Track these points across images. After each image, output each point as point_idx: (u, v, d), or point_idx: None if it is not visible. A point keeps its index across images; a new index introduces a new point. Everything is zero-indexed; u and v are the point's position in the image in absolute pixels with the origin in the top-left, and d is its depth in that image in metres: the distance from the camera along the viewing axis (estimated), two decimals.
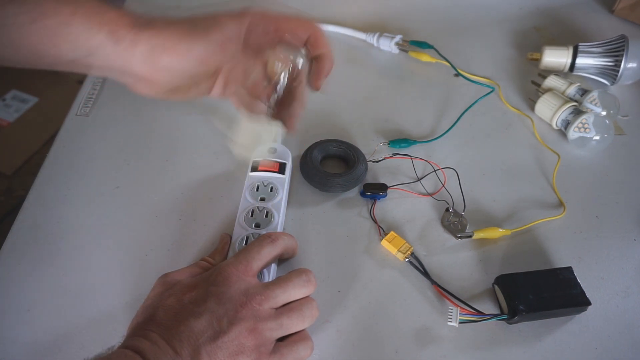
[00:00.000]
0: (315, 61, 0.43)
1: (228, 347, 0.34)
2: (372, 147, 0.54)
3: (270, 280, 0.41)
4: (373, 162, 0.52)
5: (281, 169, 0.48)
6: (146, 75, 0.37)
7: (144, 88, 0.40)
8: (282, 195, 0.47)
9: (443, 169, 0.52)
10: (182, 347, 0.33)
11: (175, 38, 0.36)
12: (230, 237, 0.44)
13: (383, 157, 0.52)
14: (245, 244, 0.43)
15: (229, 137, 0.42)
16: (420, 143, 0.55)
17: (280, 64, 0.40)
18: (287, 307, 0.38)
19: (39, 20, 0.34)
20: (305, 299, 0.39)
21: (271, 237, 0.41)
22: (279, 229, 0.45)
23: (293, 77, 0.41)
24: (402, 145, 0.54)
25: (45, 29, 0.34)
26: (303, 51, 0.41)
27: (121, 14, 0.36)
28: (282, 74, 0.40)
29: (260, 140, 0.42)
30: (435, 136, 0.55)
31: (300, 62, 0.40)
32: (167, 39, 0.36)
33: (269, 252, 0.40)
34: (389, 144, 0.54)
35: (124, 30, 0.35)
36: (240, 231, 0.44)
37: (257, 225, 0.45)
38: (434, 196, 0.50)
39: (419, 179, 0.52)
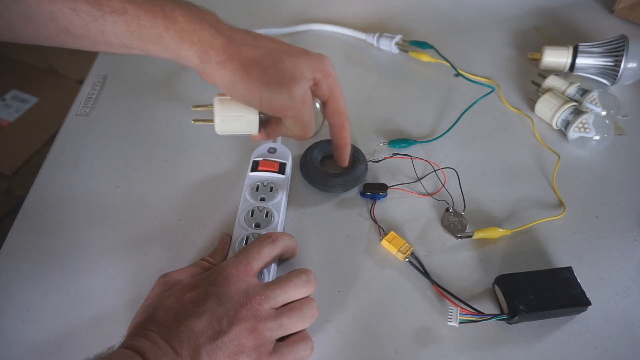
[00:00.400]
0: (337, 147, 0.46)
1: (228, 347, 0.34)
2: (372, 147, 0.54)
3: (270, 280, 0.41)
4: (373, 162, 0.52)
5: (281, 169, 0.48)
6: (222, 89, 0.40)
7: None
8: (282, 195, 0.47)
9: (443, 169, 0.52)
10: (182, 347, 0.33)
11: (260, 82, 0.38)
12: (230, 237, 0.44)
13: (383, 157, 0.52)
14: (245, 244, 0.43)
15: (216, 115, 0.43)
16: (420, 143, 0.55)
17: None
18: (287, 307, 0.38)
19: (135, 30, 0.37)
20: (306, 299, 0.39)
21: (271, 237, 0.41)
22: (279, 229, 0.45)
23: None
24: (402, 145, 0.54)
25: (139, 36, 0.38)
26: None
27: (213, 33, 0.38)
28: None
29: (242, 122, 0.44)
30: (435, 136, 0.55)
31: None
32: (250, 79, 0.38)
33: (269, 252, 0.40)
34: (389, 144, 0.54)
35: (214, 52, 0.38)
36: (240, 231, 0.44)
37: (257, 225, 0.45)
38: (434, 196, 0.50)
39: (419, 179, 0.52)
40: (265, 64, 0.39)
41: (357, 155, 0.51)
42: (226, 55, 0.38)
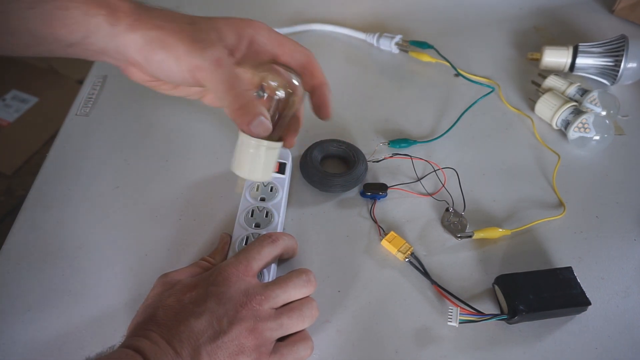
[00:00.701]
0: (316, 91, 0.41)
1: (228, 347, 0.34)
2: (372, 147, 0.54)
3: (270, 280, 0.41)
4: (373, 162, 0.52)
5: (281, 169, 0.48)
6: (138, 63, 0.37)
7: (134, 74, 0.40)
8: (282, 195, 0.47)
9: (443, 169, 0.52)
10: (183, 347, 0.33)
11: (175, 38, 0.36)
12: (230, 237, 0.44)
13: (383, 157, 0.52)
14: (245, 244, 0.43)
15: (235, 165, 0.40)
16: (420, 143, 0.55)
17: (277, 82, 0.39)
18: (287, 307, 0.38)
19: (37, 6, 0.34)
20: (306, 299, 0.39)
21: (271, 237, 0.41)
22: (279, 229, 0.45)
23: (289, 97, 0.40)
24: (402, 145, 0.54)
25: (43, 13, 0.34)
26: (298, 76, 0.40)
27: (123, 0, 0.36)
28: (280, 92, 0.39)
29: (267, 161, 0.40)
30: (435, 136, 0.55)
31: (298, 82, 0.40)
32: (166, 35, 0.36)
33: (269, 252, 0.40)
34: (389, 144, 0.54)
35: (121, 14, 0.35)
36: (240, 231, 0.44)
37: (257, 225, 0.45)
38: (434, 196, 0.50)
39: (419, 179, 0.52)
40: (178, 27, 0.36)
41: (357, 155, 0.51)
42: (135, 17, 0.35)
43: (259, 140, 0.37)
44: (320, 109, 0.42)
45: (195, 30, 0.36)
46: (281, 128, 0.41)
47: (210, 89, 0.37)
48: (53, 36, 0.35)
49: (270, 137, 0.39)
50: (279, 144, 0.40)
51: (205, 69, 0.36)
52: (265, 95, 0.40)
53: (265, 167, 0.39)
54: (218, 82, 0.36)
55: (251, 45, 0.38)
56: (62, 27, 0.35)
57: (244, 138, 0.38)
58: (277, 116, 0.40)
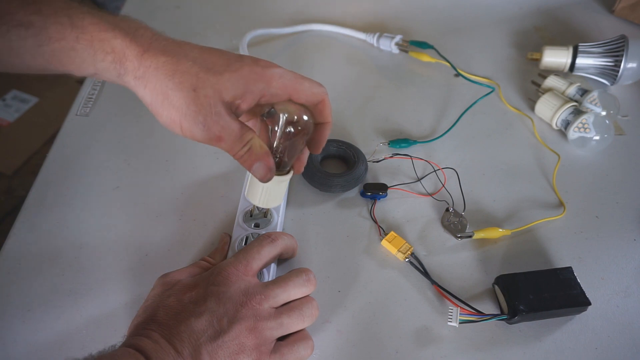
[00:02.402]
0: (319, 128, 0.41)
1: (229, 346, 0.34)
2: (372, 147, 0.54)
3: (270, 279, 0.41)
4: (373, 162, 0.52)
5: None
6: (148, 107, 0.37)
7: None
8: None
9: (443, 169, 0.52)
10: (184, 346, 0.33)
11: (179, 113, 0.35)
12: (230, 237, 0.44)
13: (383, 157, 0.52)
14: (245, 243, 0.43)
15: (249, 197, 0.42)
16: (420, 143, 0.55)
17: (288, 116, 0.39)
18: (287, 307, 0.38)
19: (46, 45, 0.35)
20: (306, 298, 0.39)
21: (271, 237, 0.41)
22: (279, 229, 0.45)
23: (298, 132, 0.40)
24: (402, 145, 0.54)
25: (52, 52, 0.35)
26: (309, 112, 0.40)
27: (127, 42, 0.35)
28: (290, 128, 0.39)
29: (277, 192, 0.42)
30: (435, 136, 0.56)
31: (309, 117, 0.40)
32: (170, 106, 0.35)
33: (269, 251, 0.40)
34: (389, 144, 0.54)
35: (129, 63, 0.35)
36: (240, 231, 0.44)
37: (257, 226, 0.45)
38: (434, 196, 0.50)
39: (419, 179, 0.52)
40: (183, 89, 0.35)
41: (357, 155, 0.51)
42: (142, 71, 0.35)
43: None
44: (315, 145, 0.42)
45: (197, 101, 0.35)
46: (291, 159, 0.41)
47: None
48: (64, 70, 0.37)
49: (280, 168, 0.40)
50: (287, 177, 0.41)
51: (206, 142, 0.36)
52: (275, 121, 0.40)
53: (276, 197, 0.42)
54: (230, 150, 0.37)
55: (262, 97, 0.37)
56: (71, 65, 0.36)
57: None
58: (286, 148, 0.40)
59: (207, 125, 0.35)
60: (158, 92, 0.35)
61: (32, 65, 0.36)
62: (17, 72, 0.37)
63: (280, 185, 0.41)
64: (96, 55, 0.35)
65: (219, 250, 0.43)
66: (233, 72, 0.36)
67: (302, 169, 0.44)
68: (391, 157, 0.52)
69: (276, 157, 0.40)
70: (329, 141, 0.52)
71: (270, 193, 0.41)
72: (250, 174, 0.39)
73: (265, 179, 0.39)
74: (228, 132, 0.36)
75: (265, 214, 0.45)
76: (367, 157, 0.52)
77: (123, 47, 0.35)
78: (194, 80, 0.35)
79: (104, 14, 0.36)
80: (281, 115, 0.39)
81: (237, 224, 0.45)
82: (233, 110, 0.36)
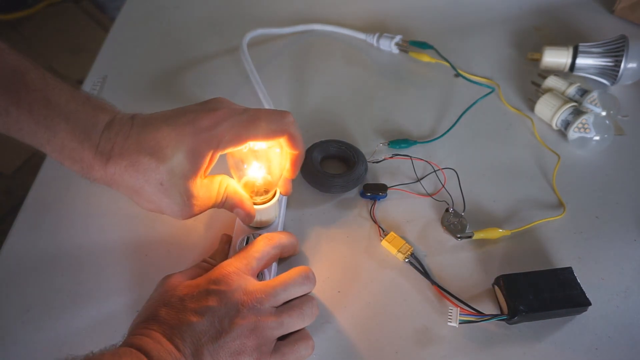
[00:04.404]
0: (290, 157, 0.43)
1: (230, 346, 0.34)
2: (372, 147, 0.54)
3: (270, 279, 0.41)
4: (373, 162, 0.52)
5: None
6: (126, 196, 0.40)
7: None
8: (282, 197, 0.47)
9: (443, 169, 0.52)
10: (185, 346, 0.33)
11: (148, 206, 0.39)
12: (231, 238, 0.44)
13: (383, 157, 0.52)
14: (246, 244, 0.43)
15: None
16: (420, 143, 0.55)
17: (254, 163, 0.42)
18: (287, 306, 0.38)
19: (18, 134, 0.37)
20: (306, 297, 0.39)
21: (271, 237, 0.41)
22: (279, 229, 0.45)
23: (270, 166, 0.43)
24: (402, 145, 0.54)
25: (23, 139, 0.37)
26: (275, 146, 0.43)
27: (92, 155, 0.37)
28: (261, 168, 0.43)
29: (267, 213, 0.44)
30: (435, 136, 0.56)
31: (275, 153, 0.43)
32: (139, 198, 0.39)
33: (269, 251, 0.40)
34: (389, 144, 0.54)
35: (95, 173, 0.38)
36: (241, 232, 0.44)
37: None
38: (434, 196, 0.50)
39: (419, 180, 0.52)
40: (151, 185, 0.38)
41: (357, 156, 0.51)
42: (109, 177, 0.38)
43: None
44: (289, 172, 0.44)
45: (167, 193, 0.38)
46: (273, 185, 0.44)
47: None
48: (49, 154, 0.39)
49: (266, 193, 0.43)
50: (272, 202, 0.43)
51: (189, 217, 0.40)
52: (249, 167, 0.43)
53: (268, 216, 0.45)
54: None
55: (219, 152, 0.39)
56: (50, 156, 0.39)
57: None
58: (260, 186, 0.44)
59: (185, 210, 0.39)
60: (130, 190, 0.38)
61: (4, 136, 0.38)
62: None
63: (268, 209, 0.43)
64: (64, 161, 0.38)
65: (220, 251, 0.44)
66: (187, 149, 0.38)
67: (289, 191, 0.45)
68: (391, 157, 0.52)
69: (254, 194, 0.43)
70: (329, 141, 0.52)
71: (261, 215, 0.44)
72: None
73: (247, 221, 0.43)
74: (204, 203, 0.40)
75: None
76: (367, 157, 0.52)
77: (90, 158, 0.38)
78: (157, 175, 0.37)
79: (79, 113, 0.37)
80: (244, 166, 0.42)
81: (237, 224, 0.45)
82: (202, 174, 0.39)
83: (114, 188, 0.39)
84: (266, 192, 0.43)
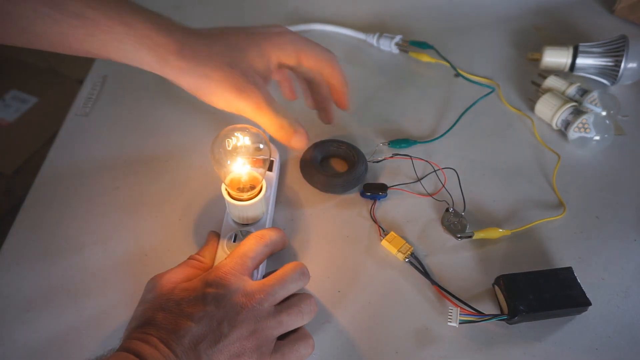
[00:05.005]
0: (333, 88, 0.48)
1: (229, 349, 0.34)
2: (372, 147, 0.54)
3: (259, 277, 0.41)
4: (373, 162, 0.52)
5: (269, 166, 0.48)
6: (191, 91, 0.42)
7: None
8: (270, 192, 0.47)
9: (443, 169, 0.52)
10: (183, 351, 0.33)
11: (222, 88, 0.41)
12: (219, 235, 0.44)
13: (383, 157, 0.52)
14: (234, 241, 0.43)
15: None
16: (420, 143, 0.55)
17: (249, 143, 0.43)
18: (286, 305, 0.38)
19: (96, 35, 0.38)
20: (303, 294, 0.39)
21: (263, 235, 0.41)
22: (267, 225, 0.45)
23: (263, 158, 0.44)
24: (402, 145, 0.54)
25: (100, 42, 0.39)
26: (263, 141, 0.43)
27: (169, 40, 0.40)
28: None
29: (254, 209, 0.44)
30: (436, 136, 0.55)
31: (264, 146, 0.43)
32: (214, 86, 0.41)
33: (263, 250, 0.41)
34: (389, 144, 0.54)
35: (171, 56, 0.40)
36: (229, 228, 0.44)
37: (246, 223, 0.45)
38: (434, 196, 0.50)
39: (419, 179, 0.52)
40: (222, 76, 0.40)
41: (357, 156, 0.51)
42: (184, 62, 0.40)
43: (237, 202, 0.43)
44: (339, 101, 0.49)
45: (235, 75, 0.41)
46: (259, 180, 0.44)
47: (253, 120, 0.43)
48: (106, 57, 0.40)
49: (252, 189, 0.43)
50: (259, 197, 0.43)
51: (248, 112, 0.42)
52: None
53: (255, 212, 0.44)
54: (259, 119, 0.42)
55: (279, 63, 0.44)
56: (118, 56, 0.40)
57: (227, 198, 0.43)
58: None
59: (250, 95, 0.41)
60: (200, 75, 0.40)
61: (79, 49, 0.39)
62: (61, 53, 0.40)
63: (255, 205, 0.43)
64: (141, 50, 0.39)
65: (208, 248, 0.43)
66: (255, 44, 0.42)
67: (332, 119, 0.51)
68: (391, 157, 0.52)
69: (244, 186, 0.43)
70: (329, 141, 0.52)
71: (248, 211, 0.44)
72: (226, 201, 0.43)
73: (303, 147, 0.44)
74: (269, 98, 0.42)
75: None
76: (367, 157, 0.52)
77: (165, 43, 0.39)
78: (228, 59, 0.41)
79: (146, 11, 0.40)
80: (227, 162, 0.42)
81: (225, 221, 0.45)
82: (265, 77, 0.43)
83: (181, 77, 0.40)
84: (252, 187, 0.43)
